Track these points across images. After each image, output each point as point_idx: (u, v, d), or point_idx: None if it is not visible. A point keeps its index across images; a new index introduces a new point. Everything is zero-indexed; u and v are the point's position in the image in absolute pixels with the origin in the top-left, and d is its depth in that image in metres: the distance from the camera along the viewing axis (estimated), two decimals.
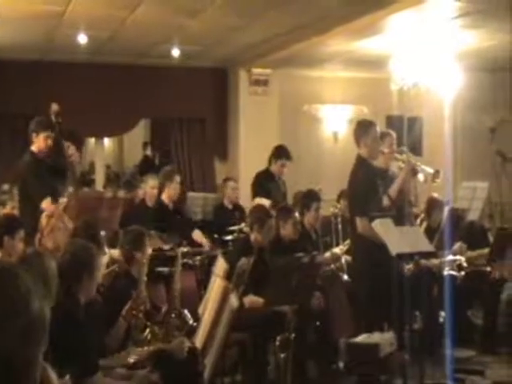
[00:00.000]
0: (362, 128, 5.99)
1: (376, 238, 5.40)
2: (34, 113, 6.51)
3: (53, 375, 1.99)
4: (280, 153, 7.80)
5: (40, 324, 1.63)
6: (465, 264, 6.87)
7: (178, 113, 10.63)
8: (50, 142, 6.10)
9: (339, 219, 7.09)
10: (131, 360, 3.96)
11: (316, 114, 11.06)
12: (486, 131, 11.09)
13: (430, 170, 6.16)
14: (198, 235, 7.19)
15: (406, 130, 9.80)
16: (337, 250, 6.78)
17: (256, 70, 10.23)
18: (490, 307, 6.71)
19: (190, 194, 8.77)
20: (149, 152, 14.23)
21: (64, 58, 9.66)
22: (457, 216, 7.23)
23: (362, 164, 5.93)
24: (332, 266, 6.68)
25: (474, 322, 7.29)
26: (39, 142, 6.11)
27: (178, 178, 7.38)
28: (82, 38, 8.26)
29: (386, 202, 5.92)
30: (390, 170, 6.49)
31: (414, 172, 6.19)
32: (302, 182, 9.31)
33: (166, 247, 6.36)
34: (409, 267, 5.43)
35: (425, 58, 8.36)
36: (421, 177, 6.22)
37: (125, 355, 4.08)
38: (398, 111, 10.09)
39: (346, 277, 6.62)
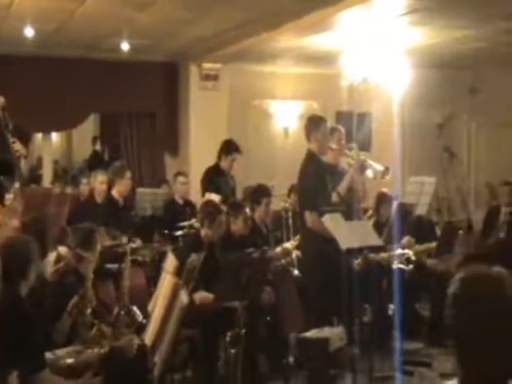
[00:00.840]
0: (313, 123, 6.02)
1: (325, 232, 5.43)
2: None
3: None
4: (230, 148, 7.75)
5: None
6: (413, 257, 6.95)
7: (127, 107, 10.51)
8: None
9: (290, 214, 7.10)
10: (69, 361, 3.91)
11: (267, 109, 11.06)
12: (433, 127, 11.25)
13: (380, 168, 6.21)
14: None
15: (356, 126, 9.88)
16: (287, 244, 6.80)
17: (206, 65, 10.18)
18: (437, 300, 6.81)
19: (140, 190, 8.67)
20: (98, 147, 14.06)
21: (11, 51, 9.43)
22: (405, 210, 7.31)
23: (311, 159, 5.96)
24: (283, 260, 6.69)
25: (421, 314, 7.39)
26: None
27: (128, 174, 7.32)
28: (29, 32, 8.09)
29: (334, 198, 5.95)
30: (340, 165, 6.52)
31: (362, 168, 6.24)
32: (252, 176, 9.30)
33: (115, 243, 6.28)
34: (358, 261, 5.47)
35: (374, 54, 8.42)
36: (369, 173, 6.28)
37: (70, 351, 4.02)
38: (348, 107, 10.17)
39: (296, 272, 6.63)
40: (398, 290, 6.02)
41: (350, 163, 6.34)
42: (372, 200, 7.46)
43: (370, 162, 6.30)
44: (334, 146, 6.24)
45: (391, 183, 7.16)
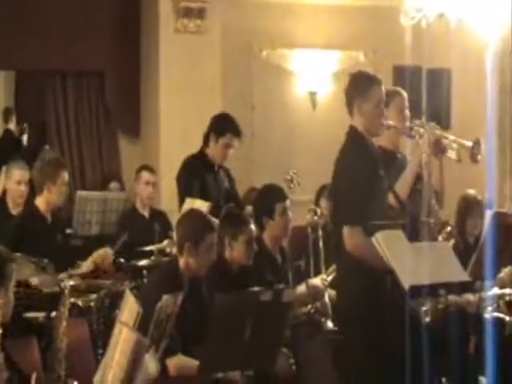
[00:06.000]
0: (358, 86, 6.04)
1: (377, 260, 5.45)
2: None
3: None
4: (223, 126, 7.77)
5: None
6: None
7: (58, 62, 10.53)
8: None
9: (320, 232, 7.12)
10: None
11: (282, 63, 11.10)
12: None
13: (467, 143, 6.18)
14: None
15: (426, 90, 9.90)
16: (317, 280, 6.82)
17: None
18: None
19: (80, 194, 8.71)
20: (12, 125, 14.10)
21: None
22: (505, 225, 7.34)
23: (355, 143, 5.98)
24: (309, 306, 6.72)
25: None
26: None
27: (65, 176, 7.23)
28: None
29: (391, 200, 5.97)
30: (400, 152, 6.55)
31: (438, 149, 6.23)
32: (259, 172, 9.35)
33: (42, 279, 6.32)
34: (430, 308, 5.49)
35: None
36: (452, 154, 6.25)
37: None
38: (413, 60, 10.18)
39: (330, 324, 6.66)
40: (494, 353, 6.03)
41: (417, 144, 6.31)
42: (450, 207, 7.47)
43: (450, 136, 6.29)
44: (391, 121, 6.26)
45: (481, 180, 7.17)
